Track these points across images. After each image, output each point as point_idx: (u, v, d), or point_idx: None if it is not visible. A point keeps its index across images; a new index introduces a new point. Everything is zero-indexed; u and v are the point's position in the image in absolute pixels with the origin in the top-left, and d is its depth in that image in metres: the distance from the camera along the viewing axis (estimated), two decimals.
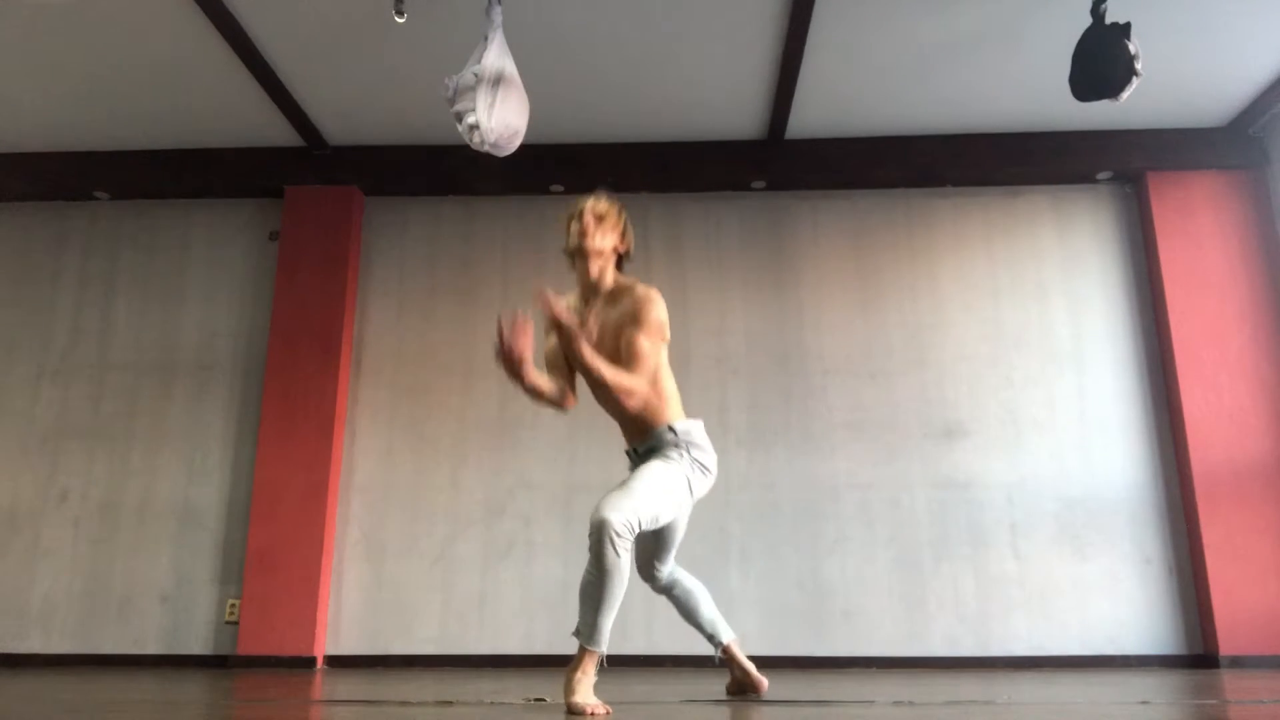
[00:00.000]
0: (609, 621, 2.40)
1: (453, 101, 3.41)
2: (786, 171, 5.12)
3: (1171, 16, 4.10)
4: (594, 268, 2.62)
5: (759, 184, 5.19)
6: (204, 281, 5.24)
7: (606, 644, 2.41)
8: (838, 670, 4.36)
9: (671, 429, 2.63)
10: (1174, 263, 4.88)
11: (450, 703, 2.60)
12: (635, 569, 2.86)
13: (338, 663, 4.68)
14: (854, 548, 4.70)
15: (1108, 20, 3.69)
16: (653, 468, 2.55)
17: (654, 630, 4.63)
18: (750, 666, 2.91)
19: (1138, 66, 3.56)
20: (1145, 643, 4.52)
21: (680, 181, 5.19)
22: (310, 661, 4.55)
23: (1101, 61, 3.65)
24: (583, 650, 2.40)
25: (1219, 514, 4.54)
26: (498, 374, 5.04)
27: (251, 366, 5.07)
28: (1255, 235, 4.90)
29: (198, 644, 4.71)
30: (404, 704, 2.56)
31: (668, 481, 2.53)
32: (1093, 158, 4.99)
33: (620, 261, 2.70)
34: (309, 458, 4.80)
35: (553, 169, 5.14)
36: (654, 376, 2.63)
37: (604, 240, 2.62)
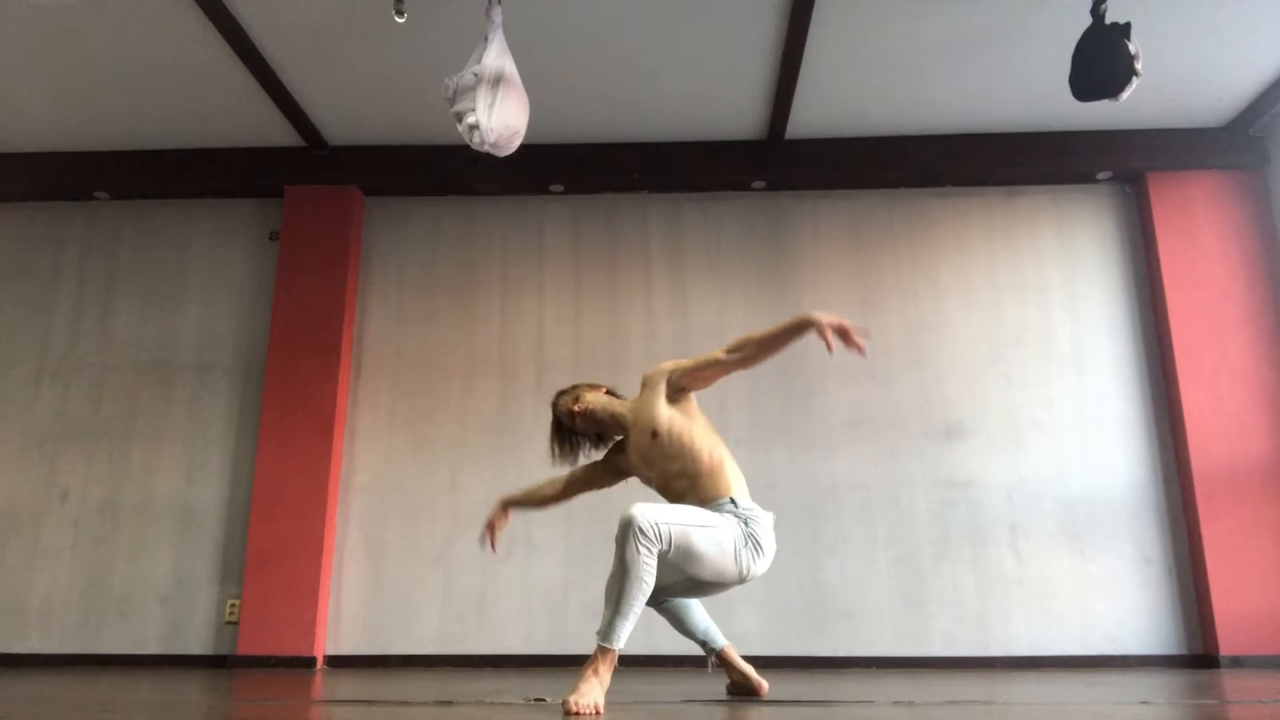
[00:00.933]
0: (626, 623, 2.40)
1: (453, 101, 3.41)
2: (786, 171, 5.12)
3: (1171, 16, 4.10)
4: (604, 415, 2.88)
5: (759, 184, 5.19)
6: (204, 281, 5.24)
7: (621, 644, 2.39)
8: (838, 670, 4.36)
9: (733, 500, 2.65)
10: (1174, 263, 4.88)
11: (450, 703, 2.60)
12: None
13: (338, 663, 4.68)
14: (854, 548, 4.70)
15: (1108, 20, 3.69)
16: (703, 509, 2.61)
17: (654, 630, 4.62)
18: (748, 669, 2.91)
19: (1138, 66, 3.56)
20: (1145, 643, 4.53)
21: (680, 181, 5.19)
22: (310, 661, 4.56)
23: (1101, 61, 3.65)
24: (597, 648, 2.40)
25: (1219, 514, 4.54)
26: (498, 374, 5.05)
27: (251, 366, 5.07)
28: (1255, 235, 4.90)
29: (198, 644, 4.71)
30: (404, 704, 2.56)
31: (713, 523, 2.55)
32: (1093, 158, 4.99)
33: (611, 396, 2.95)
34: (309, 458, 4.80)
35: (553, 169, 5.14)
36: (699, 454, 2.70)
37: (587, 397, 2.90)
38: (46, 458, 5.01)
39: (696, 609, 2.96)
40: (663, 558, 2.48)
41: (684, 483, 2.72)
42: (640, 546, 2.41)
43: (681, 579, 2.68)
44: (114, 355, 5.14)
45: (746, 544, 2.58)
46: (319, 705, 2.62)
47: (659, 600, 2.89)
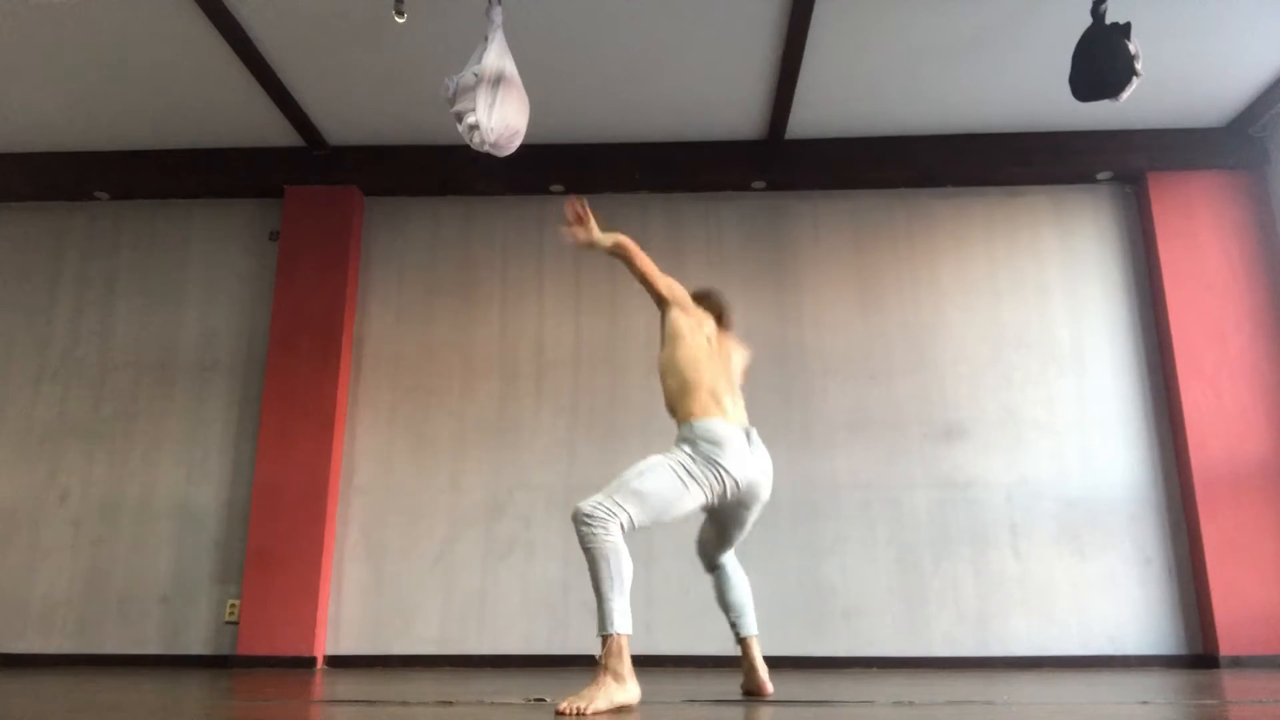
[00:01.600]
0: (614, 604, 2.42)
1: (453, 101, 3.41)
2: (786, 171, 5.12)
3: (1171, 16, 4.10)
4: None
5: (759, 184, 5.19)
6: (204, 281, 5.24)
7: (620, 626, 2.41)
8: (838, 670, 4.37)
9: (687, 424, 2.73)
10: (1174, 263, 4.88)
11: (450, 703, 2.60)
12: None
13: (338, 663, 4.68)
14: (854, 548, 4.70)
15: (1108, 20, 3.69)
16: (643, 459, 2.67)
17: (654, 630, 4.63)
18: (760, 667, 2.93)
19: (1138, 66, 3.56)
20: (1145, 643, 4.53)
21: (680, 181, 5.19)
22: (310, 661, 4.55)
23: (1101, 61, 3.64)
24: (601, 641, 2.43)
25: (1219, 514, 4.54)
26: (498, 374, 5.04)
27: (251, 366, 5.07)
28: (1255, 235, 4.90)
29: (198, 644, 4.71)
30: (404, 704, 2.56)
31: (650, 466, 2.61)
32: (1093, 158, 4.99)
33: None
34: (309, 458, 4.80)
35: (553, 169, 5.14)
36: (678, 372, 2.80)
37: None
38: (46, 458, 5.00)
39: (739, 588, 3.04)
40: (637, 521, 2.52)
41: (669, 400, 2.83)
42: (592, 529, 2.46)
43: (703, 529, 2.96)
44: (114, 355, 5.14)
45: (694, 464, 2.62)
46: (319, 705, 2.62)
47: (711, 564, 3.07)
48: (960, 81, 4.59)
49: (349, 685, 3.39)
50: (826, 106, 4.80)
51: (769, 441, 4.84)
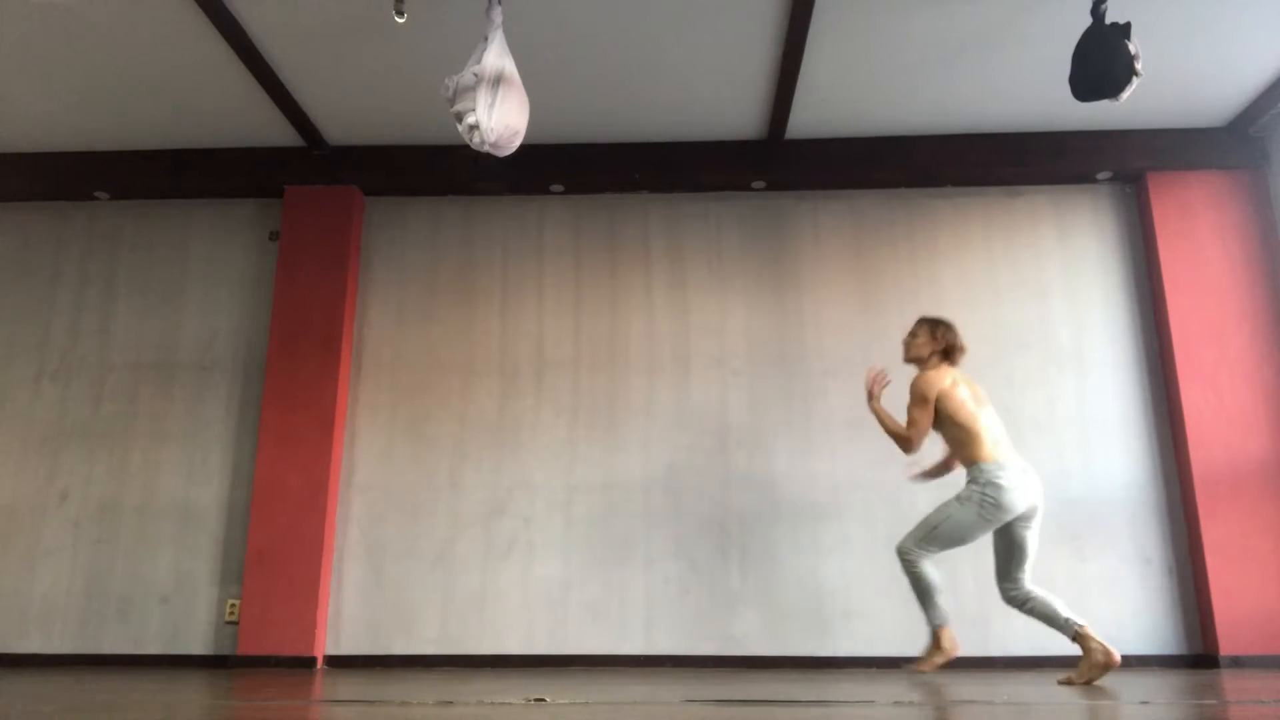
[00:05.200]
0: (934, 608, 3.65)
1: (453, 101, 3.41)
2: (786, 171, 5.12)
3: (1171, 16, 4.10)
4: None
5: (759, 184, 5.19)
6: (204, 281, 5.24)
7: (939, 620, 3.64)
8: (838, 670, 4.36)
9: (978, 466, 3.60)
10: (1174, 263, 4.88)
11: (450, 703, 2.60)
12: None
13: (338, 663, 4.68)
14: (854, 548, 4.70)
15: (1108, 20, 3.69)
16: (941, 504, 3.71)
17: (654, 630, 4.63)
18: (1103, 643, 3.37)
19: (1138, 66, 3.56)
20: (1145, 643, 4.53)
21: (680, 181, 5.19)
22: (310, 661, 4.56)
23: (1101, 61, 3.65)
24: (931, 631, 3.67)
25: (1219, 514, 4.54)
26: (498, 374, 5.04)
27: (251, 366, 5.07)
28: (1255, 235, 4.90)
29: (198, 644, 4.71)
30: (404, 704, 2.56)
31: (945, 511, 3.65)
32: (1093, 158, 4.99)
33: (946, 355, 3.83)
34: (309, 458, 4.80)
35: (553, 169, 5.14)
36: (958, 428, 3.66)
37: (919, 349, 3.85)
38: (46, 458, 5.01)
39: (1058, 602, 3.53)
40: (935, 553, 3.66)
41: (955, 449, 3.80)
42: (909, 561, 3.65)
43: (999, 547, 3.68)
44: (114, 355, 5.14)
45: (981, 505, 3.55)
46: (319, 705, 2.62)
47: (1017, 600, 3.61)
48: (960, 81, 4.59)
49: (349, 685, 3.39)
50: (826, 106, 4.80)
51: (771, 442, 4.88)
